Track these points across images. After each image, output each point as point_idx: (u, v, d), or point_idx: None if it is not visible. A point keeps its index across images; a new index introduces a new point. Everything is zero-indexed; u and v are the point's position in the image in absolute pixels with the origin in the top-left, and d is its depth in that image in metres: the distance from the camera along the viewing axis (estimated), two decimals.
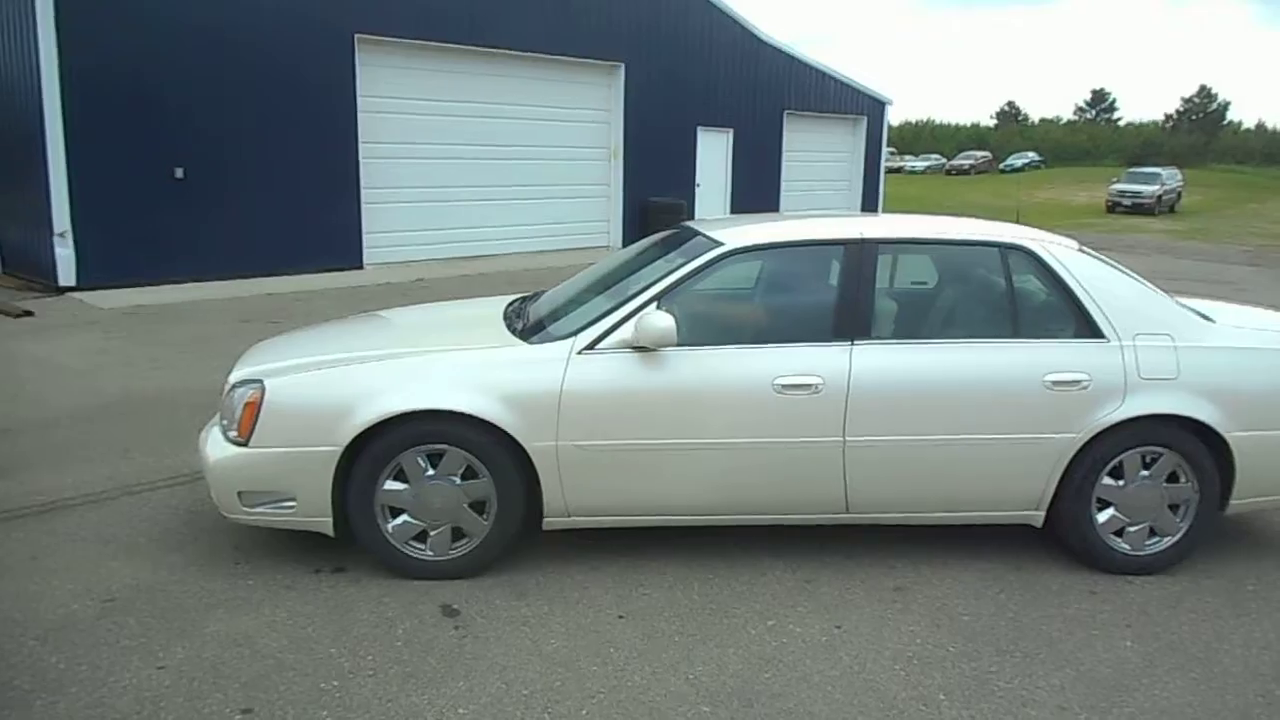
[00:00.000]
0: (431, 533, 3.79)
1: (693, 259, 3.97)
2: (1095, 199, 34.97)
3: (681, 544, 4.12)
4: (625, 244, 15.08)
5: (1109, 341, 3.92)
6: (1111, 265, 4.18)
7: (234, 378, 3.88)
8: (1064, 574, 4.02)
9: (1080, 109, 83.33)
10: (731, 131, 16.96)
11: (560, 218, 14.45)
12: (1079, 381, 3.85)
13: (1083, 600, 3.81)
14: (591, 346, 3.76)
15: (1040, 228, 4.56)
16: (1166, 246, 20.54)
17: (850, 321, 3.90)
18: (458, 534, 3.82)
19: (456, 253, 13.08)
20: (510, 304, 4.67)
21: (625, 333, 3.74)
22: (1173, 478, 3.99)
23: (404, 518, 3.76)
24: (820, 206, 19.32)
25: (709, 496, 3.89)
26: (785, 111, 18.09)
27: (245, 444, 3.67)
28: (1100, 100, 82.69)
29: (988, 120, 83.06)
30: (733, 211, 16.97)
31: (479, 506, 3.79)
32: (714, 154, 16.73)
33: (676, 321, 3.67)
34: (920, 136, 73.36)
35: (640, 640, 3.41)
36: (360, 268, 11.93)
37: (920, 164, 57.54)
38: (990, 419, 3.84)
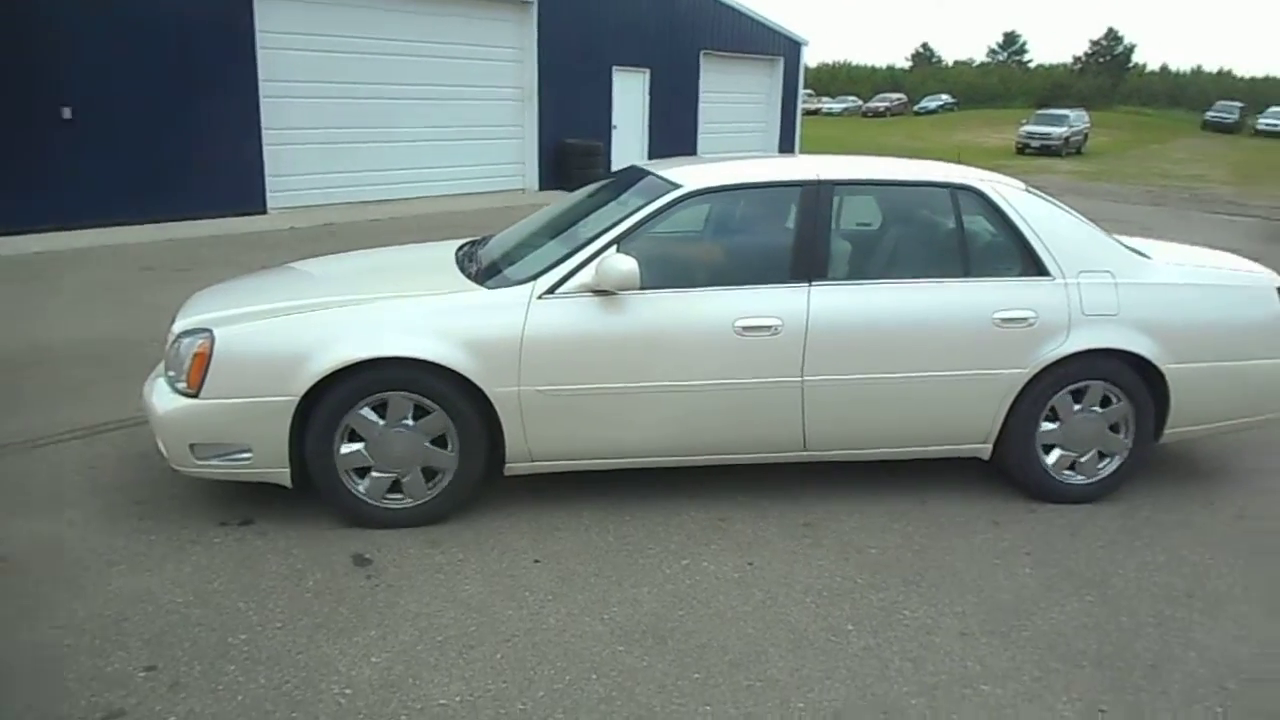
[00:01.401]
0: (403, 480, 3.75)
1: (651, 201, 3.93)
2: (1006, 140, 35.67)
3: (598, 487, 4.13)
4: (541, 187, 14.88)
5: (1054, 279, 4.04)
6: (1056, 205, 4.29)
7: (179, 327, 3.75)
8: (968, 507, 4.14)
9: (992, 51, 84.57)
10: (648, 72, 16.75)
11: (474, 160, 14.12)
12: (1026, 319, 3.97)
13: (986, 531, 3.93)
14: (552, 290, 3.73)
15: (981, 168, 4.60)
16: (1074, 187, 21.08)
17: (808, 263, 3.93)
18: (416, 479, 3.77)
19: (366, 196, 12.72)
20: (461, 248, 4.57)
21: (586, 276, 3.72)
22: (1110, 411, 4.16)
23: (358, 449, 3.68)
24: (739, 148, 19.28)
25: (671, 438, 3.90)
26: (702, 52, 17.92)
27: (196, 395, 3.57)
28: (1011, 42, 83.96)
29: (903, 62, 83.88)
30: (650, 154, 16.83)
31: (439, 456, 3.76)
32: (631, 95, 16.52)
33: (638, 264, 3.64)
34: (837, 78, 73.63)
35: (556, 583, 3.41)
36: (264, 212, 11.51)
37: (837, 106, 57.90)
38: (942, 356, 3.94)
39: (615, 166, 16.00)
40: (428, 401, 3.65)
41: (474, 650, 3.00)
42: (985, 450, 4.16)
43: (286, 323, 3.66)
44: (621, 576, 3.48)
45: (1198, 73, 79.35)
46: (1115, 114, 54.67)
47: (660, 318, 3.77)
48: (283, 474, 3.68)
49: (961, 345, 3.95)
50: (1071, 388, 4.08)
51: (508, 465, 3.86)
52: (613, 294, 3.71)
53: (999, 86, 67.95)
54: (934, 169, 4.47)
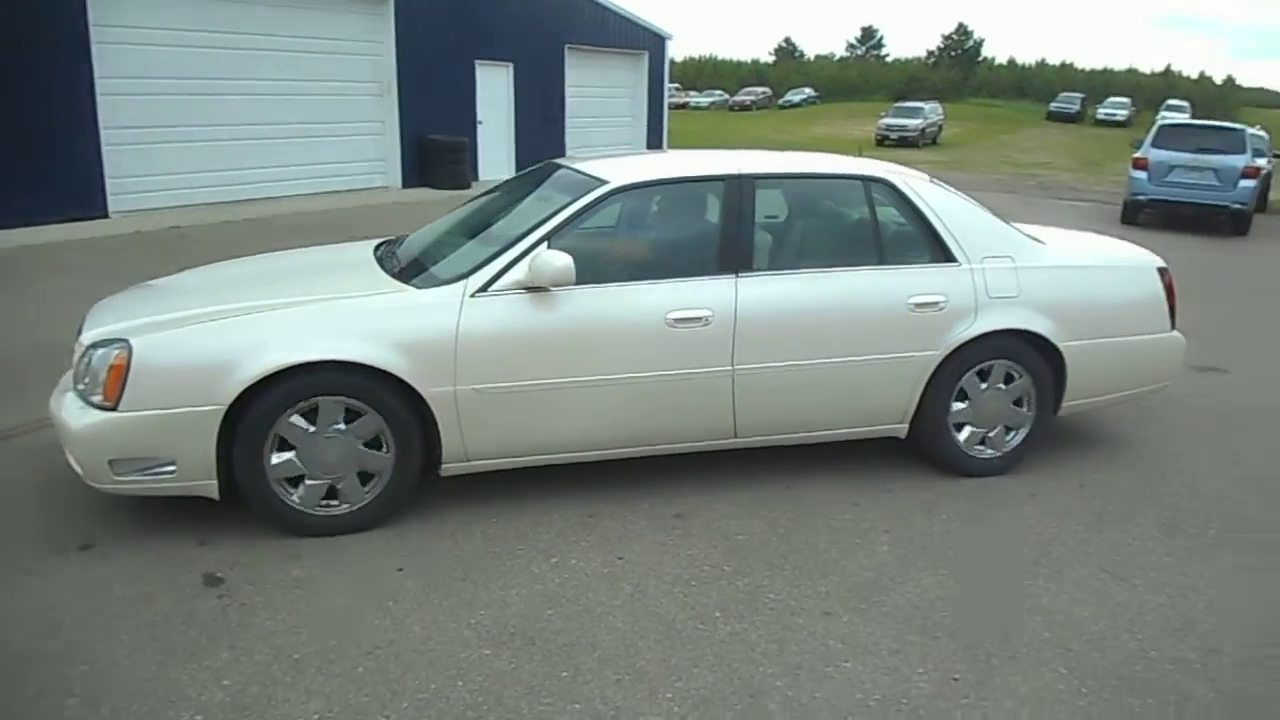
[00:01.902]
0: (323, 484, 3.65)
1: (579, 197, 3.94)
2: (867, 132, 36.79)
3: (464, 490, 4.04)
4: (405, 184, 14.52)
5: (961, 265, 4.27)
6: (958, 194, 4.55)
7: (88, 338, 3.57)
8: (831, 489, 4.25)
9: (851, 45, 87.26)
10: (512, 66, 16.55)
11: (332, 158, 13.65)
12: (937, 303, 4.18)
13: (847, 512, 4.04)
14: (485, 288, 3.71)
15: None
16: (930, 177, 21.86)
17: (734, 254, 4.02)
18: (339, 490, 3.69)
19: (219, 198, 12.13)
20: (378, 247, 4.53)
21: (519, 273, 3.71)
22: (1014, 388, 4.43)
23: (290, 457, 3.57)
24: (608, 142, 19.32)
25: (607, 431, 3.94)
26: (567, 46, 17.84)
27: (114, 408, 3.39)
28: (869, 37, 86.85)
29: (767, 57, 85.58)
30: (518, 149, 16.67)
31: (373, 462, 3.69)
32: (495, 90, 16.31)
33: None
34: (703, 72, 74.67)
35: (421, 591, 3.33)
36: (105, 216, 10.82)
37: (705, 99, 58.68)
38: (863, 341, 4.11)
39: (482, 162, 15.79)
40: (362, 405, 3.57)
41: (334, 665, 2.90)
42: (902, 429, 4.34)
43: (210, 329, 3.52)
44: (489, 579, 3.42)
45: (1042, 65, 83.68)
46: (967, 106, 57.16)
47: (593, 312, 3.80)
48: (209, 486, 3.53)
49: (880, 330, 4.13)
50: (979, 366, 4.31)
51: (444, 466, 3.81)
52: (546, 290, 3.72)
53: (859, 80, 70.12)
54: (847, 162, 4.69)
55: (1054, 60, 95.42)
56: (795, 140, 35.56)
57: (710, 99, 59.10)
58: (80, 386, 3.51)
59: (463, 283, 3.72)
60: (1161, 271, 4.69)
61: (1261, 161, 15.65)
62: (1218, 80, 77.79)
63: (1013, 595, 3.43)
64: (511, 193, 4.73)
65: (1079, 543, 3.85)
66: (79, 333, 3.72)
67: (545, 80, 17.44)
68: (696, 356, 3.90)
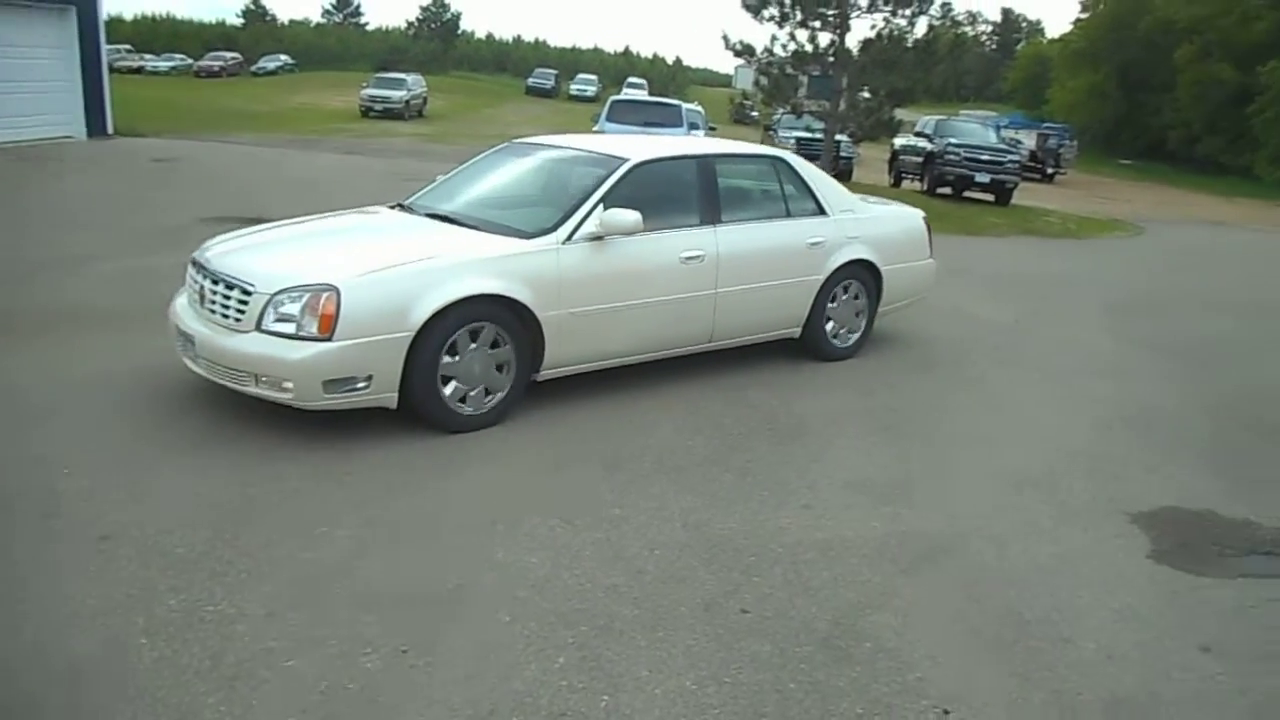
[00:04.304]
0: (465, 390, 4.65)
1: (613, 170, 5.30)
2: (349, 104, 35.93)
3: None
4: None
5: (829, 216, 6.28)
6: (816, 168, 6.67)
7: (272, 286, 4.31)
8: (284, 484, 4.04)
9: (328, 12, 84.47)
10: None
11: None
12: (821, 242, 6.16)
13: (305, 506, 3.87)
14: (570, 238, 4.96)
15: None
16: (415, 149, 21.86)
17: (710, 211, 5.67)
18: (470, 396, 4.68)
19: None
20: (399, 208, 5.72)
21: (591, 226, 5.00)
22: (856, 296, 6.52)
23: (453, 384, 4.59)
24: (38, 111, 16.57)
25: (641, 340, 5.38)
26: None
27: (329, 339, 4.21)
28: (346, 4, 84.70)
29: (235, 19, 79.50)
30: None
31: (501, 369, 4.77)
32: None
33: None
34: (160, 34, 67.46)
35: None
36: None
37: (164, 64, 53.23)
38: (786, 269, 6.00)
39: None
40: (497, 328, 4.66)
41: None
42: (797, 332, 6.25)
43: (397, 273, 4.45)
44: None
45: (519, 41, 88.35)
46: (450, 79, 58.52)
47: (637, 254, 5.19)
48: (391, 398, 4.46)
49: (794, 261, 6.04)
50: (842, 284, 6.33)
51: (541, 373, 4.96)
52: (602, 238, 5.00)
53: (339, 48, 68.42)
54: (758, 147, 7.41)
55: (529, 37, 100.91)
56: (277, 110, 33.70)
57: (170, 63, 53.71)
58: (269, 326, 4.27)
59: (554, 234, 4.93)
60: (924, 219, 7.03)
61: (698, 134, 18.03)
62: (669, 61, 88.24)
63: (470, 555, 3.52)
64: (505, 168, 6.13)
65: (535, 493, 4.08)
66: (230, 285, 4.42)
67: None
68: (696, 283, 5.46)
